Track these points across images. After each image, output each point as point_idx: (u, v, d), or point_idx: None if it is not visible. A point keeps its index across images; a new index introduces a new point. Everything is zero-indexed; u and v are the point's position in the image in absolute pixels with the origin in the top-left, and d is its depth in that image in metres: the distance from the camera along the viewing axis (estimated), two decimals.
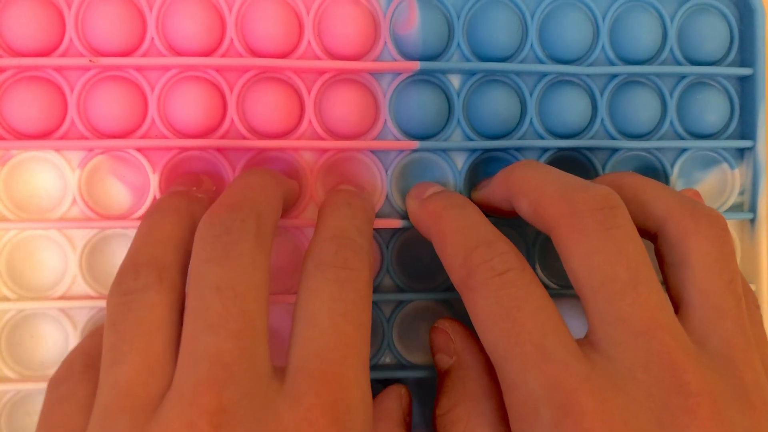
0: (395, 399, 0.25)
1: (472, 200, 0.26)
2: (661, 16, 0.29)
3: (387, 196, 0.28)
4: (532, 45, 0.28)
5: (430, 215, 0.25)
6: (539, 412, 0.19)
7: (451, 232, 0.23)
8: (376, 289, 0.28)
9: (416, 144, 0.27)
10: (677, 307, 0.22)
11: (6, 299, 0.27)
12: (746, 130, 0.29)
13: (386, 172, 0.28)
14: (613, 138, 0.29)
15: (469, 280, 0.22)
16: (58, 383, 0.21)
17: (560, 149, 0.28)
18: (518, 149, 0.28)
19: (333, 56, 0.27)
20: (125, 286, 0.20)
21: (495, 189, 0.25)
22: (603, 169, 0.29)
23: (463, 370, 0.24)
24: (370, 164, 0.28)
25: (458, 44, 0.28)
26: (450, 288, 0.28)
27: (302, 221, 0.27)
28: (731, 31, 0.29)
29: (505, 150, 0.28)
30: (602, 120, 0.29)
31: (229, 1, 0.27)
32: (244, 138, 0.27)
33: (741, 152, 0.30)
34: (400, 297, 0.28)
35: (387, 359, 0.29)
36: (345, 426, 0.18)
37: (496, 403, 0.23)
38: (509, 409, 0.21)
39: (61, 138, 0.27)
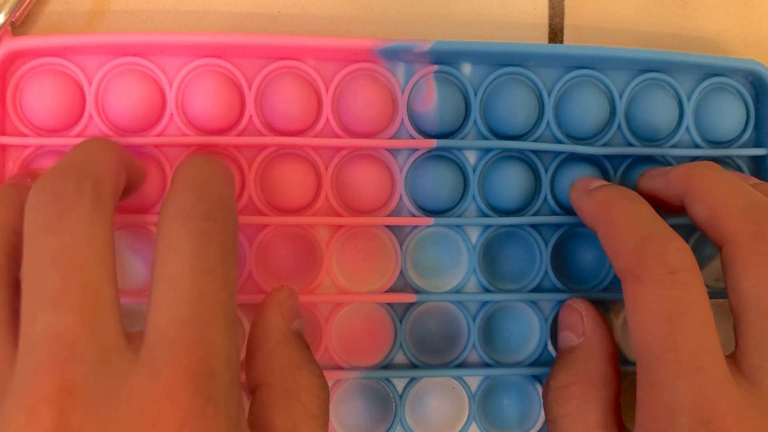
0: (275, 311, 0.22)
1: (638, 190, 0.26)
2: (677, 95, 0.29)
3: (401, 271, 0.28)
4: (548, 123, 0.28)
5: (600, 204, 0.24)
6: (679, 422, 0.19)
7: (624, 220, 0.23)
8: (388, 365, 0.28)
9: (431, 220, 0.27)
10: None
11: None
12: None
13: (401, 247, 0.28)
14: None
15: (638, 269, 0.21)
16: None
17: None
18: (533, 225, 0.28)
19: (351, 132, 0.28)
20: (53, 189, 0.19)
21: (672, 183, 0.24)
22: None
23: (589, 352, 0.24)
24: (384, 239, 0.28)
25: (475, 121, 0.28)
26: (463, 364, 0.28)
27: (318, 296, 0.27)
28: (747, 111, 0.29)
29: (519, 226, 0.28)
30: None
31: (249, 77, 0.27)
32: (262, 214, 0.27)
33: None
34: (413, 374, 0.28)
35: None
36: (208, 394, 0.17)
37: (612, 393, 0.23)
38: (644, 405, 0.21)
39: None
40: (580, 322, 0.25)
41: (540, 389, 0.28)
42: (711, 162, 0.25)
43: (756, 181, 0.25)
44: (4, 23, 0.26)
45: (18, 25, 0.27)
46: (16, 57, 0.26)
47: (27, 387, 0.16)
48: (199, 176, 0.21)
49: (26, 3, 0.27)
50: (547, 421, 0.25)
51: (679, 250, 0.21)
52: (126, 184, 0.21)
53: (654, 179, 0.26)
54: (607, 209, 0.24)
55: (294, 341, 0.22)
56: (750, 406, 0.19)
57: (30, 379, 0.16)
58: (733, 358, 0.21)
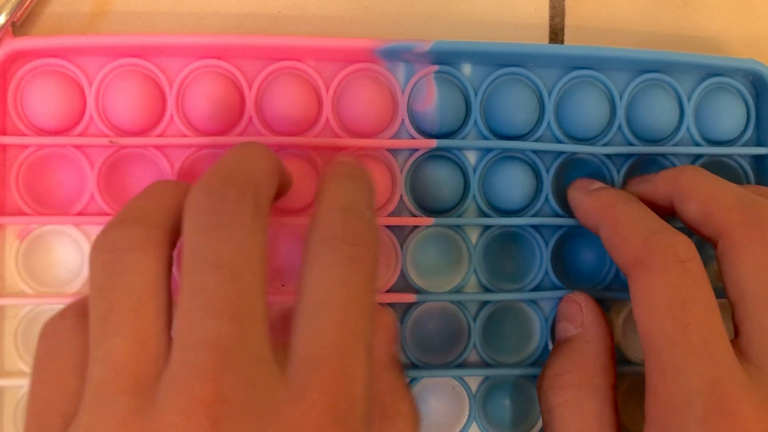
0: (381, 335, 0.22)
1: None
2: (677, 95, 0.29)
3: (402, 271, 0.28)
4: (549, 123, 0.28)
5: (603, 204, 0.25)
6: (691, 405, 0.20)
7: (629, 218, 0.24)
8: None
9: (432, 220, 0.27)
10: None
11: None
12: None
13: (401, 247, 0.28)
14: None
15: (647, 258, 0.22)
16: (48, 335, 0.20)
17: None
18: (533, 225, 0.28)
19: (351, 133, 0.28)
20: (110, 240, 0.19)
21: (658, 186, 0.25)
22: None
23: (586, 343, 0.24)
24: (385, 239, 0.28)
25: (475, 121, 0.28)
26: (463, 364, 0.28)
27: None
28: (747, 110, 0.29)
29: (520, 226, 0.28)
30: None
31: (249, 78, 0.27)
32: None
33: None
34: (414, 374, 0.28)
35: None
36: (346, 424, 0.17)
37: (608, 383, 0.23)
38: (655, 392, 0.21)
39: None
40: (579, 314, 0.25)
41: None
42: (695, 165, 0.26)
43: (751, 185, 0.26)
44: (5, 24, 0.26)
45: (19, 26, 0.27)
46: (17, 57, 0.26)
47: (183, 390, 0.16)
48: (345, 197, 0.21)
49: (27, 3, 0.27)
50: (541, 411, 0.25)
51: (686, 243, 0.22)
52: (277, 189, 0.22)
53: (640, 184, 0.27)
54: (611, 209, 0.24)
55: (394, 366, 0.22)
56: (760, 389, 0.20)
57: (185, 382, 0.17)
58: (738, 345, 0.21)
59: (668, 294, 0.21)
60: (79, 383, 0.18)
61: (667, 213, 0.25)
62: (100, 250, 0.19)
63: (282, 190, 0.23)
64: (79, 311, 0.20)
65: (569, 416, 0.23)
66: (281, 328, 0.20)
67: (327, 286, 0.19)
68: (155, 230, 0.19)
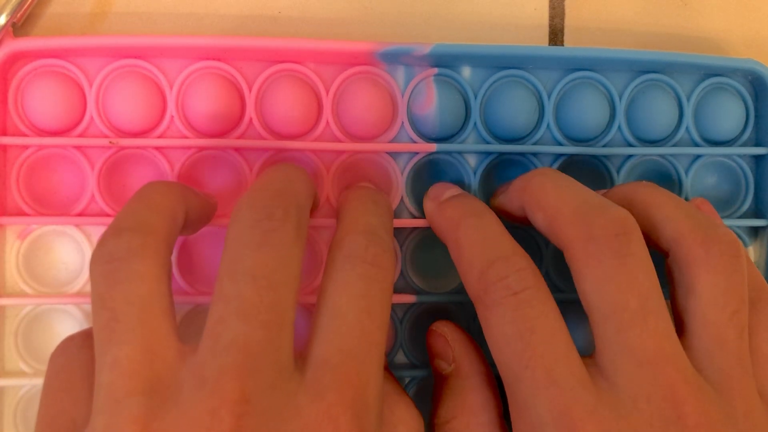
0: None
1: (491, 205, 0.27)
2: (677, 95, 0.29)
3: (402, 271, 0.28)
4: (548, 125, 0.28)
5: (447, 222, 0.25)
6: None
7: (468, 244, 0.23)
8: (389, 366, 0.28)
9: None
10: (680, 329, 0.22)
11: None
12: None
13: (401, 247, 0.28)
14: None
15: (485, 296, 0.22)
16: (57, 354, 0.21)
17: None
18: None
19: (351, 136, 0.28)
20: (108, 251, 0.20)
21: (511, 197, 0.25)
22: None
23: (462, 380, 0.24)
24: None
25: (475, 123, 0.28)
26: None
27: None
28: (747, 110, 0.29)
29: (521, 227, 0.28)
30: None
31: (249, 80, 0.27)
32: None
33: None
34: (414, 374, 0.28)
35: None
36: (363, 423, 0.19)
37: (494, 414, 0.23)
38: (515, 425, 0.21)
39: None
40: (448, 348, 0.25)
41: None
42: (546, 168, 0.25)
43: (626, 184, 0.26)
44: (6, 24, 0.26)
45: (19, 27, 0.27)
46: (18, 58, 0.26)
47: (211, 388, 0.17)
48: (369, 221, 0.23)
49: (27, 4, 0.27)
50: None
51: (519, 271, 0.22)
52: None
53: (499, 195, 0.27)
54: (454, 230, 0.24)
55: (386, 375, 0.22)
56: (608, 407, 0.20)
57: (213, 380, 0.18)
58: (594, 360, 0.21)
59: (506, 331, 0.21)
60: (88, 392, 0.19)
61: (528, 223, 0.25)
62: (99, 261, 0.20)
63: (314, 208, 0.24)
64: (87, 333, 0.21)
65: None
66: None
67: (347, 298, 0.20)
68: (151, 237, 0.20)
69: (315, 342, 0.20)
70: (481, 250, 0.23)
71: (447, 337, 0.25)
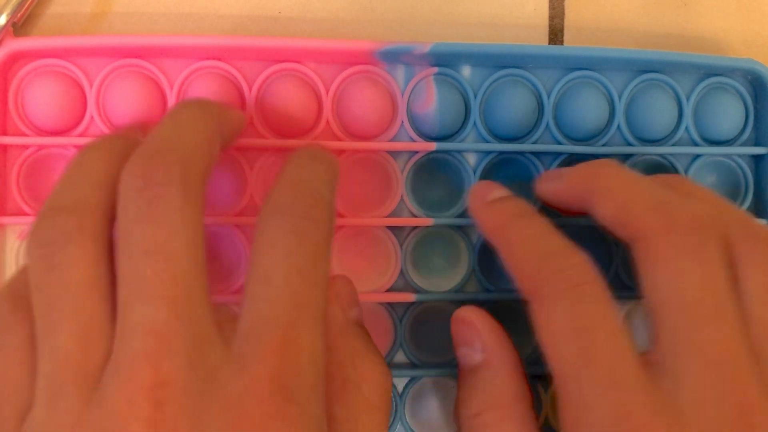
0: (332, 303, 0.22)
1: (536, 191, 0.26)
2: (676, 95, 0.29)
3: (401, 270, 0.28)
4: (548, 124, 0.28)
5: (494, 223, 0.24)
6: None
7: (520, 241, 0.22)
8: (389, 365, 0.28)
9: (432, 220, 0.28)
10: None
11: None
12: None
13: (401, 247, 0.28)
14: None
15: (541, 288, 0.21)
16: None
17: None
18: None
19: (351, 135, 0.28)
20: (43, 235, 0.19)
21: (571, 184, 0.24)
22: None
23: (493, 370, 0.23)
24: (384, 239, 0.28)
25: (474, 123, 0.28)
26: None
27: None
28: (746, 109, 0.29)
29: None
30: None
31: (249, 80, 0.27)
32: None
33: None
34: (414, 373, 0.28)
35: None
36: (291, 394, 0.17)
37: (527, 406, 0.22)
38: (567, 424, 0.20)
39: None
40: (477, 336, 0.24)
41: (540, 389, 0.29)
42: (611, 160, 0.24)
43: (661, 175, 0.25)
44: (6, 24, 0.26)
45: (20, 26, 0.27)
46: (18, 58, 0.26)
47: (125, 377, 0.17)
48: (301, 174, 0.21)
49: (28, 4, 0.27)
50: None
51: (578, 265, 0.21)
52: (221, 144, 0.21)
53: (551, 182, 0.26)
54: (503, 231, 0.23)
55: (353, 331, 0.22)
56: (672, 410, 0.19)
57: (127, 369, 0.17)
58: (651, 357, 0.20)
59: (566, 325, 0.20)
60: (28, 378, 0.18)
61: (578, 213, 0.24)
62: (35, 244, 0.19)
63: (229, 138, 0.23)
64: (13, 301, 0.20)
65: None
66: None
67: (272, 259, 0.19)
68: (88, 217, 0.19)
69: (243, 311, 0.19)
70: (536, 245, 0.22)
71: (477, 325, 0.24)
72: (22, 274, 0.20)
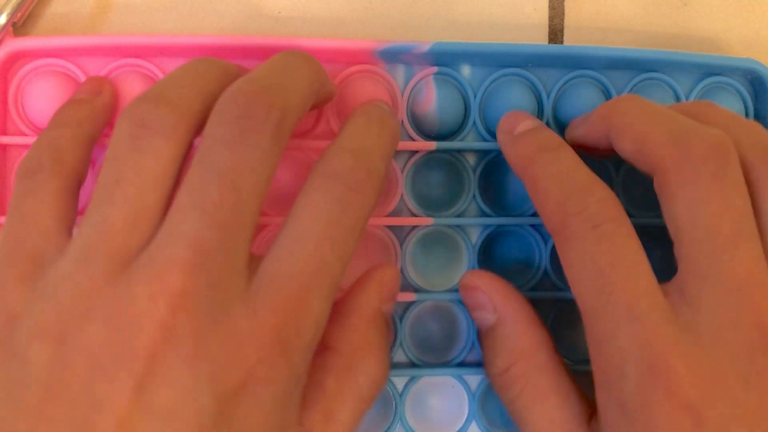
0: (375, 289, 0.23)
1: (567, 140, 0.26)
2: (676, 94, 0.29)
3: (401, 270, 0.28)
4: (548, 123, 0.28)
5: (521, 158, 0.24)
6: (626, 370, 0.20)
7: (544, 178, 0.23)
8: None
9: (431, 220, 0.28)
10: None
11: None
12: None
13: (401, 246, 0.28)
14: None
15: (563, 230, 0.21)
16: (27, 174, 0.21)
17: None
18: (532, 225, 0.28)
19: None
20: (140, 116, 0.20)
21: (594, 125, 0.24)
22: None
23: (509, 327, 0.24)
24: (384, 238, 0.28)
25: (474, 122, 0.28)
26: (463, 363, 0.28)
27: None
28: (746, 109, 0.29)
29: (519, 225, 0.28)
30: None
31: None
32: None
33: None
34: (413, 372, 0.28)
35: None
36: (286, 348, 0.18)
37: (550, 351, 0.23)
38: (594, 359, 0.21)
39: None
40: (486, 299, 0.24)
41: None
42: (630, 94, 0.24)
43: (684, 103, 0.25)
44: (6, 24, 0.26)
45: (19, 26, 0.27)
46: (18, 58, 0.26)
47: (155, 274, 0.18)
48: (365, 141, 0.22)
49: (28, 4, 0.27)
50: (503, 403, 0.24)
51: (599, 202, 0.21)
52: (313, 104, 0.22)
53: (578, 128, 0.26)
54: (529, 166, 0.24)
55: (379, 324, 0.23)
56: (692, 337, 0.19)
57: (160, 266, 0.18)
58: (673, 285, 0.21)
59: (585, 265, 0.21)
60: (56, 231, 0.20)
61: (611, 153, 0.24)
62: (129, 122, 0.20)
63: (320, 103, 0.24)
64: (54, 154, 0.22)
65: (530, 404, 0.23)
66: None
67: (313, 220, 0.20)
68: (185, 120, 0.20)
69: (270, 256, 0.19)
70: (558, 182, 0.22)
71: (483, 289, 0.25)
72: (60, 127, 0.22)
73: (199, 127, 0.20)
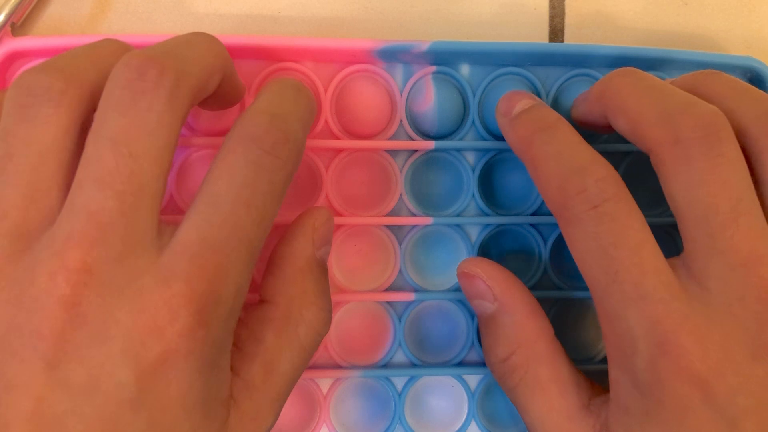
0: (307, 235, 0.22)
1: (572, 119, 0.26)
2: None
3: (400, 269, 0.28)
4: None
5: (520, 139, 0.24)
6: (637, 348, 0.20)
7: (543, 159, 0.23)
8: (388, 364, 0.28)
9: (431, 219, 0.28)
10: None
11: None
12: None
13: (400, 245, 0.28)
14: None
15: (564, 212, 0.21)
16: None
17: None
18: (532, 224, 0.28)
19: (350, 133, 0.28)
20: (28, 84, 0.19)
21: (591, 106, 0.24)
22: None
23: (509, 315, 0.24)
24: (384, 238, 0.28)
25: (473, 121, 0.28)
26: (462, 363, 0.28)
27: None
28: None
29: (518, 224, 0.28)
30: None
31: (248, 79, 0.27)
32: None
33: None
34: (413, 372, 0.28)
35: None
36: (205, 319, 0.18)
37: (549, 338, 0.24)
38: (606, 336, 0.21)
39: None
40: (486, 287, 0.24)
41: None
42: (627, 68, 0.24)
43: (687, 74, 0.25)
44: (5, 24, 0.26)
45: (18, 26, 0.27)
46: (17, 57, 0.26)
47: (55, 251, 0.17)
48: (282, 105, 0.21)
49: (27, 4, 0.27)
50: (504, 391, 0.25)
51: (598, 181, 0.21)
52: (215, 90, 0.21)
53: (578, 106, 0.26)
54: (528, 148, 0.23)
55: (315, 270, 0.22)
56: (701, 314, 0.20)
57: (59, 244, 0.17)
58: (684, 262, 0.21)
59: (589, 246, 0.21)
60: None
61: (610, 129, 0.24)
62: (18, 91, 0.19)
63: (225, 95, 0.23)
64: None
65: (530, 393, 0.23)
66: None
67: (227, 184, 0.19)
68: (76, 87, 0.19)
69: (183, 225, 0.19)
70: (557, 163, 0.22)
71: (482, 276, 0.24)
72: None
73: (94, 99, 0.19)
